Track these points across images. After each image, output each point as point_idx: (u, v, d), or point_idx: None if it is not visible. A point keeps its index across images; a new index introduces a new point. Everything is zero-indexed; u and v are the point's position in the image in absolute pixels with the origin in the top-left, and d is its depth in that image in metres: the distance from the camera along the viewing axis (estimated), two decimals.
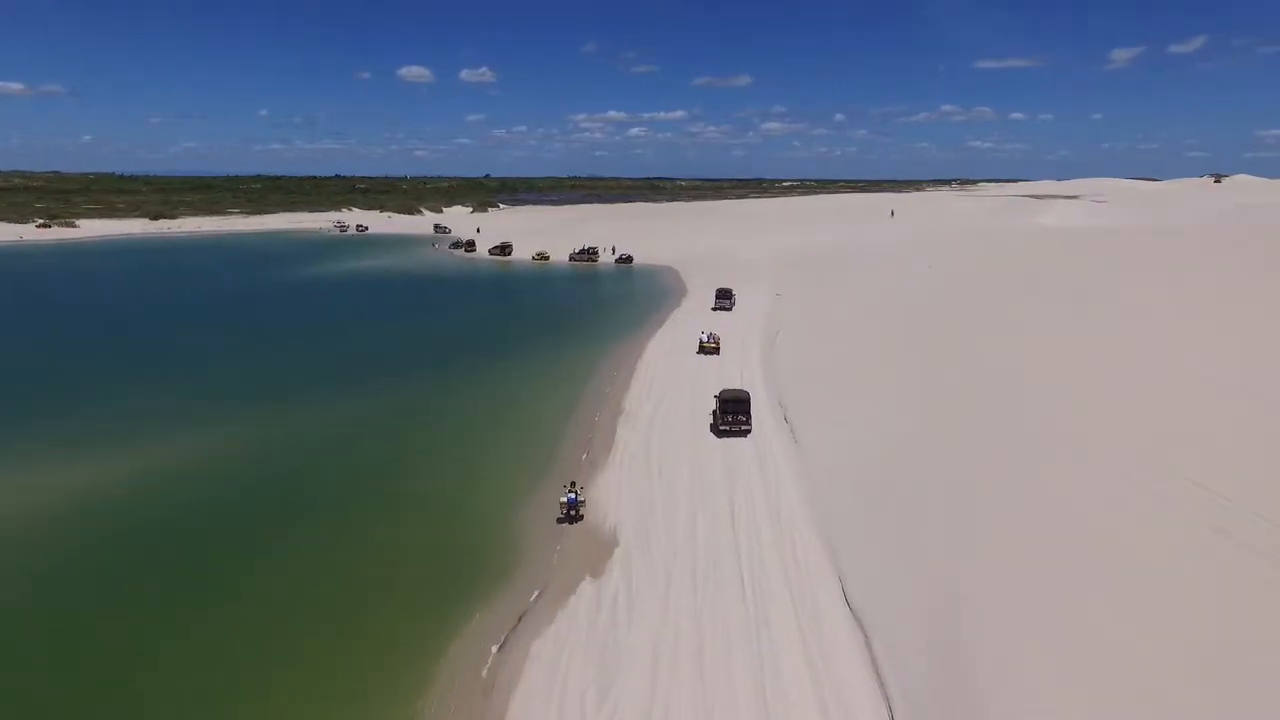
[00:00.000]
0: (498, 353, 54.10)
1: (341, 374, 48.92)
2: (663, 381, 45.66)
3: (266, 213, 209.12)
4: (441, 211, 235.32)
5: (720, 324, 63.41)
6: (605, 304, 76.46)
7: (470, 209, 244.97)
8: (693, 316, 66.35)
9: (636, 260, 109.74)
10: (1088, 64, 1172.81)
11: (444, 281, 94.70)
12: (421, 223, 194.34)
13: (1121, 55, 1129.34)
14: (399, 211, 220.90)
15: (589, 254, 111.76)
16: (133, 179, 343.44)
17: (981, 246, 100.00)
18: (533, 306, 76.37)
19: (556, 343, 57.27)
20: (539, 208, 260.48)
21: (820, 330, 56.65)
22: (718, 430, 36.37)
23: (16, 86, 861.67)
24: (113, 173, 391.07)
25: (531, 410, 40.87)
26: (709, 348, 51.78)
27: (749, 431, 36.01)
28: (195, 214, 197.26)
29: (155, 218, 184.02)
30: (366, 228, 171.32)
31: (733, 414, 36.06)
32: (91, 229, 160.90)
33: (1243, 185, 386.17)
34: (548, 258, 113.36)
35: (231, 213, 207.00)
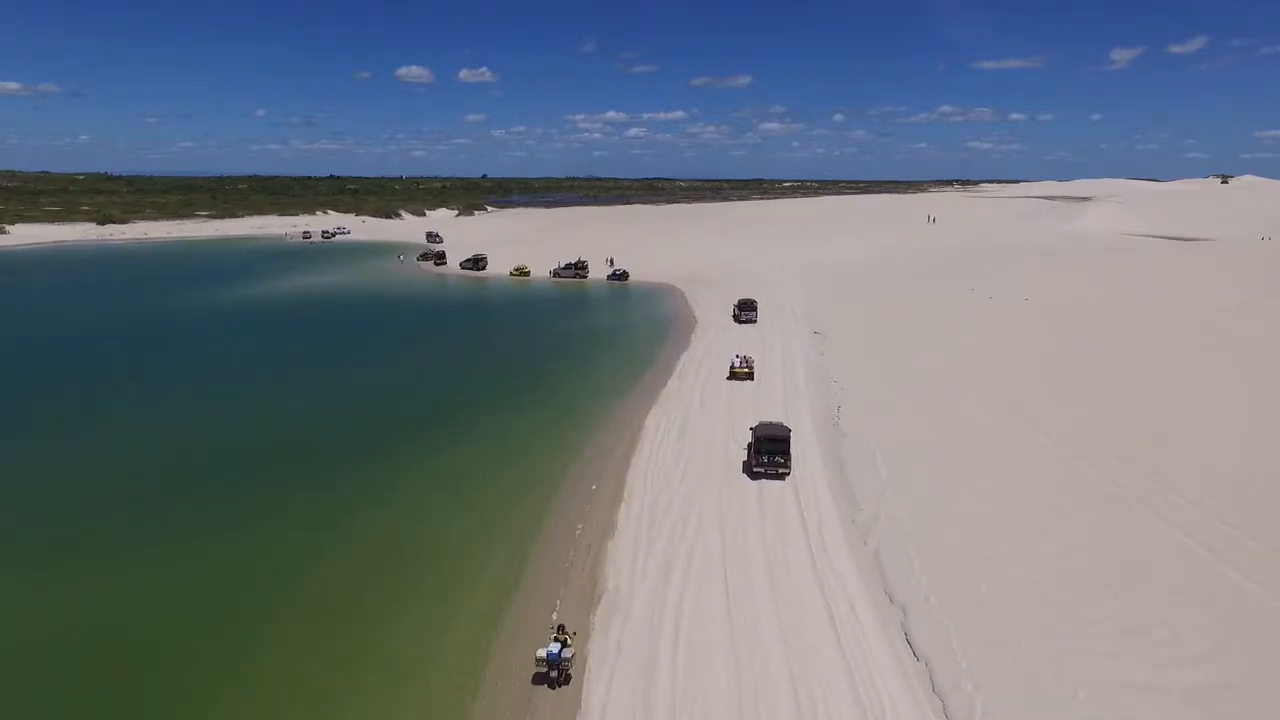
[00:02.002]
0: (414, 450, 36.19)
1: (130, 488, 31.10)
2: (671, 509, 28.17)
3: (233, 217, 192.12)
4: (425, 215, 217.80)
5: (749, 348, 47.54)
6: (589, 344, 58.71)
7: (456, 212, 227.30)
8: (707, 365, 48.92)
9: (633, 276, 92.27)
10: (1087, 64, 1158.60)
11: (389, 309, 76.66)
12: (401, 227, 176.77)
13: (1121, 56, 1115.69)
14: (376, 215, 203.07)
15: (577, 269, 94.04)
16: (120, 179, 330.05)
17: (1059, 264, 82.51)
18: (491, 350, 58.67)
19: (510, 421, 39.55)
20: (530, 210, 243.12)
21: (911, 408, 38.75)
22: (751, 472, 31.09)
23: (13, 86, 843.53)
24: (104, 173, 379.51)
25: (436, 609, 22.89)
26: (741, 373, 45.19)
27: (787, 474, 30.57)
28: (153, 218, 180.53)
29: (104, 222, 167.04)
30: (333, 234, 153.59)
31: (769, 454, 30.79)
32: (23, 235, 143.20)
33: (1251, 186, 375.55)
34: (528, 273, 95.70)
35: (200, 215, 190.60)
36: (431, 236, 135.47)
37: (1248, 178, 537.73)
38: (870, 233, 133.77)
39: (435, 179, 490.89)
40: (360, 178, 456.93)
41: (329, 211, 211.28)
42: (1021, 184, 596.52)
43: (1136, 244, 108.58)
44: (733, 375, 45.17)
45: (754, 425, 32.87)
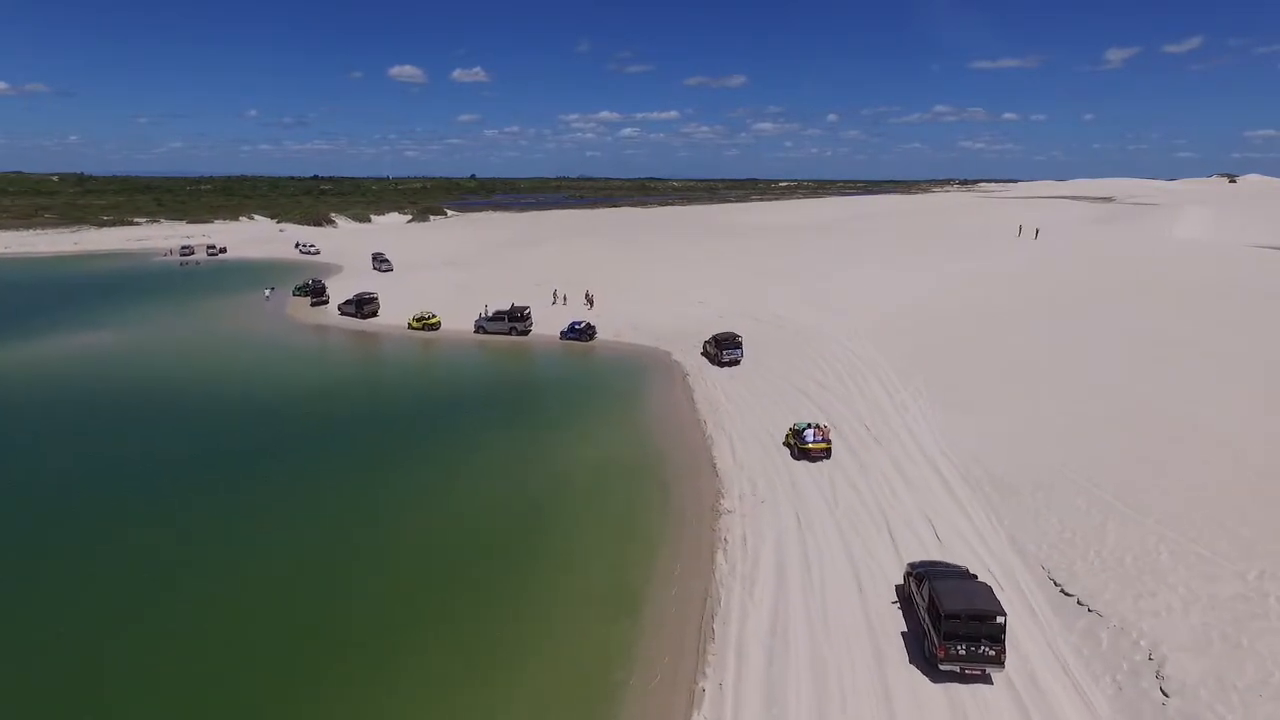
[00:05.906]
0: None
1: None
2: None
3: (126, 225, 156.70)
4: (370, 220, 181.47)
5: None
6: (487, 546, 23.19)
7: (409, 217, 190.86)
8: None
9: (606, 330, 56.81)
10: (1082, 64, 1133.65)
11: (140, 425, 40.90)
12: (330, 238, 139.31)
13: (1116, 55, 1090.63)
14: (304, 222, 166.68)
15: (513, 322, 58.16)
16: (73, 178, 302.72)
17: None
18: (267, 558, 23.17)
19: None
20: (499, 216, 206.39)
21: None
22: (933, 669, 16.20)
23: (1, 86, 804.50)
24: (80, 173, 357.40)
25: None
26: (814, 450, 29.61)
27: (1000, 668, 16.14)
28: (45, 226, 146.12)
29: None
30: (224, 249, 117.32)
31: (968, 640, 15.92)
32: None
33: (1258, 186, 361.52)
34: (436, 325, 59.96)
35: (105, 222, 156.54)
36: (379, 260, 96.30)
37: (1253, 177, 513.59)
38: (943, 252, 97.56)
39: (417, 179, 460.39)
40: (348, 178, 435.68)
41: (255, 217, 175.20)
42: (1021, 184, 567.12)
43: None
44: (801, 455, 29.61)
45: (913, 566, 19.17)
